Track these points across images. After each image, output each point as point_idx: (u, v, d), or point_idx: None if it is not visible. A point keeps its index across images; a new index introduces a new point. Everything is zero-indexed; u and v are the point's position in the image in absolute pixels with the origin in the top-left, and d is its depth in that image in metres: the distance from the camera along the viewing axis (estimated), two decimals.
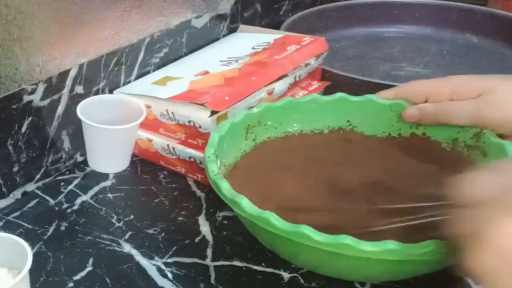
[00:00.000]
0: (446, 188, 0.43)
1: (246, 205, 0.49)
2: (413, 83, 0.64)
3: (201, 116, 0.64)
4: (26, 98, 0.62)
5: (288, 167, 0.62)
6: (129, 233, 0.60)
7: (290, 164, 0.62)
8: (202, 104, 0.64)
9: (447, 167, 0.60)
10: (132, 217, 0.62)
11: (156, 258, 0.57)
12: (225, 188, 0.51)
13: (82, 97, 0.68)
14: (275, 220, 0.47)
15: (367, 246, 0.45)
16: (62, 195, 0.65)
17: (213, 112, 0.64)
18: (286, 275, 0.56)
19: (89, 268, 0.56)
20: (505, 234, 0.36)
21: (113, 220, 0.62)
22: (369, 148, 0.64)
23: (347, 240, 0.45)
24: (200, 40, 0.83)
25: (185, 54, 0.81)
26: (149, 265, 0.56)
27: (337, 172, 0.61)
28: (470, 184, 0.42)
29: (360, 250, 0.45)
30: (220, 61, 0.76)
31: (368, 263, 0.47)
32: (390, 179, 0.60)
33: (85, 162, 0.70)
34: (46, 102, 0.64)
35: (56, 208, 0.63)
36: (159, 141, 0.69)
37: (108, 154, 0.68)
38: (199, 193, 0.66)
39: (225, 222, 0.62)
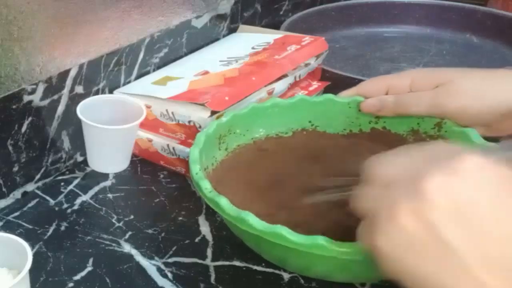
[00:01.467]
0: (361, 167, 0.44)
1: (226, 206, 0.49)
2: (373, 79, 0.65)
3: (201, 116, 0.64)
4: (26, 98, 0.62)
5: (258, 173, 0.61)
6: (129, 233, 0.60)
7: (260, 169, 0.62)
8: (202, 104, 0.64)
9: None
10: (132, 217, 0.62)
11: (156, 258, 0.57)
12: (206, 187, 0.51)
13: (82, 97, 0.68)
14: (252, 220, 0.47)
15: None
16: (62, 195, 0.65)
17: (213, 112, 0.64)
18: (286, 275, 0.56)
19: (89, 268, 0.56)
20: (406, 214, 0.37)
21: (113, 220, 0.62)
22: (332, 145, 0.64)
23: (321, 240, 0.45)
24: (200, 40, 0.83)
25: (185, 54, 0.81)
26: (149, 265, 0.56)
27: (302, 170, 0.61)
28: (379, 164, 0.42)
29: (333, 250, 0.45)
30: (220, 61, 0.76)
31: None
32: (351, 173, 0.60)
33: (85, 162, 0.70)
34: (46, 102, 0.64)
35: (56, 208, 0.63)
36: (159, 141, 0.69)
37: (108, 154, 0.68)
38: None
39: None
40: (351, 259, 0.45)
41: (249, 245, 0.54)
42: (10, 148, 0.62)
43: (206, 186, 0.51)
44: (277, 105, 0.64)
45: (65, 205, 0.64)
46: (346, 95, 0.65)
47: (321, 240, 0.45)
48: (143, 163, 0.71)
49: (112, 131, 0.66)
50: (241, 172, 0.61)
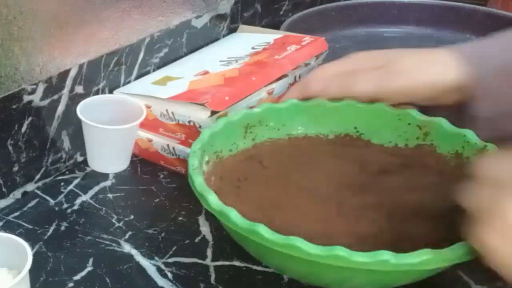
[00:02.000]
0: (471, 168, 0.45)
1: (213, 202, 0.49)
2: (317, 70, 0.64)
3: (201, 116, 0.64)
4: (26, 98, 0.62)
5: (283, 170, 0.61)
6: (129, 233, 0.60)
7: (285, 166, 0.61)
8: (202, 104, 0.64)
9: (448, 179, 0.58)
10: (132, 217, 0.62)
11: (156, 258, 0.57)
12: (199, 182, 0.51)
13: (82, 97, 0.68)
14: (235, 217, 0.46)
15: (360, 257, 0.44)
16: (62, 195, 0.65)
17: (213, 112, 0.64)
18: (286, 276, 0.56)
19: (89, 268, 0.56)
20: None
21: (113, 220, 0.62)
22: (375, 158, 0.63)
23: (340, 251, 0.44)
24: (200, 40, 0.83)
25: (185, 54, 0.81)
26: (149, 265, 0.56)
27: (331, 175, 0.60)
28: (490, 164, 0.44)
29: (352, 261, 0.44)
30: (220, 61, 0.76)
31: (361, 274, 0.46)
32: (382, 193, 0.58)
33: (85, 162, 0.70)
34: (46, 102, 0.64)
35: (56, 208, 0.63)
36: (159, 141, 0.69)
37: (108, 154, 0.68)
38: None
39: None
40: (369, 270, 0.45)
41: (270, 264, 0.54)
42: (10, 148, 0.62)
43: (193, 163, 0.51)
44: (322, 105, 0.63)
45: (65, 205, 0.64)
46: (289, 96, 0.64)
47: (340, 251, 0.44)
48: (143, 163, 0.71)
49: (112, 131, 0.66)
50: (259, 165, 0.60)
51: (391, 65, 0.60)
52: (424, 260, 0.44)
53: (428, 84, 0.59)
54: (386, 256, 0.44)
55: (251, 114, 0.61)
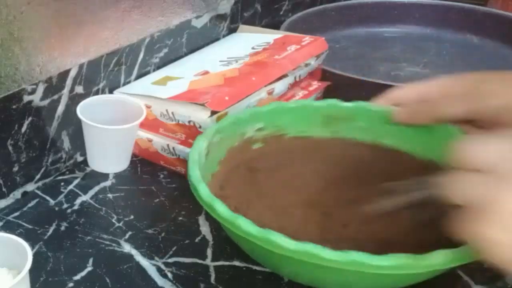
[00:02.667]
0: (449, 152, 0.41)
1: (221, 210, 0.48)
2: (402, 87, 0.63)
3: (201, 116, 0.64)
4: (26, 98, 0.62)
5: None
6: (129, 233, 0.60)
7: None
8: (202, 104, 0.64)
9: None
10: (132, 217, 0.62)
11: (156, 258, 0.57)
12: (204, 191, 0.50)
13: (82, 97, 0.68)
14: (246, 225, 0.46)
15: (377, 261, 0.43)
16: (62, 195, 0.65)
17: (213, 112, 0.64)
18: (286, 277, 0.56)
19: (89, 268, 0.56)
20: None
21: (113, 220, 0.62)
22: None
23: (356, 256, 0.43)
24: (200, 40, 0.83)
25: (185, 54, 0.81)
26: (149, 265, 0.56)
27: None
28: (473, 147, 0.40)
29: (370, 265, 0.43)
30: (220, 61, 0.76)
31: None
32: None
33: (85, 162, 0.70)
34: (46, 102, 0.64)
35: (56, 208, 0.63)
36: (159, 141, 0.69)
37: (108, 154, 0.68)
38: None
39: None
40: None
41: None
42: (10, 148, 0.62)
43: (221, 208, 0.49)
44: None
45: (65, 205, 0.64)
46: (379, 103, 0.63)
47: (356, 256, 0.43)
48: (143, 163, 0.71)
49: (112, 131, 0.66)
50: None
51: (479, 87, 0.57)
52: (398, 264, 0.43)
53: None
54: (356, 256, 0.43)
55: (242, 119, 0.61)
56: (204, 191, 0.49)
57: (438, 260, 0.44)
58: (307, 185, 0.60)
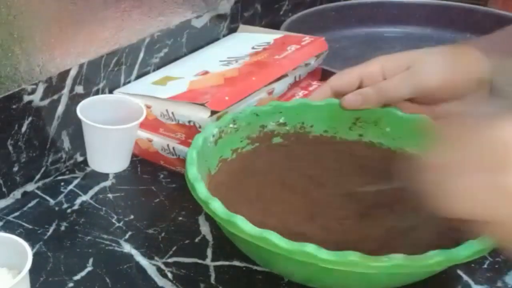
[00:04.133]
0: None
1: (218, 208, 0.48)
2: (343, 73, 0.65)
3: (201, 116, 0.64)
4: (26, 98, 0.62)
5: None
6: (129, 233, 0.60)
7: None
8: (202, 104, 0.64)
9: None
10: (132, 217, 0.62)
11: (156, 258, 0.57)
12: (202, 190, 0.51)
13: (82, 97, 0.68)
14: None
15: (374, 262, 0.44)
16: (62, 195, 0.65)
17: (213, 112, 0.64)
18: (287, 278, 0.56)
19: (89, 268, 0.56)
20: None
21: (113, 220, 0.62)
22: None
23: (353, 256, 0.44)
24: (200, 40, 0.83)
25: (185, 54, 0.81)
26: (149, 265, 0.56)
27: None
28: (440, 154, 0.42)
29: (367, 266, 0.44)
30: (220, 61, 0.76)
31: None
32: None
33: (85, 162, 0.70)
34: (46, 102, 0.64)
35: (56, 208, 0.63)
36: (159, 141, 0.69)
37: (108, 154, 0.68)
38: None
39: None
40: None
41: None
42: (10, 148, 0.62)
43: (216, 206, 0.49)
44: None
45: (65, 205, 0.64)
46: (320, 96, 0.65)
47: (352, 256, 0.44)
48: (143, 163, 0.71)
49: (112, 131, 0.66)
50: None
51: (417, 66, 0.61)
52: (395, 264, 0.44)
53: (460, 80, 0.61)
54: (352, 256, 0.44)
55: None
56: (201, 190, 0.50)
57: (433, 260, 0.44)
58: (318, 185, 0.60)
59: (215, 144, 0.59)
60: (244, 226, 0.46)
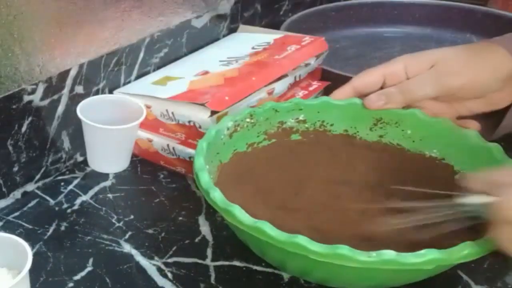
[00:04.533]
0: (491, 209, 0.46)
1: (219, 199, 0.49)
2: (366, 73, 0.65)
3: (201, 116, 0.64)
4: (26, 98, 0.62)
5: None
6: (129, 233, 0.60)
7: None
8: (202, 104, 0.64)
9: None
10: (132, 217, 0.62)
11: (156, 258, 0.57)
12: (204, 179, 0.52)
13: (82, 97, 0.68)
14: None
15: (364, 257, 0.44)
16: (62, 195, 0.65)
17: (213, 112, 0.64)
18: (286, 275, 0.56)
19: (89, 268, 0.56)
20: None
21: (113, 220, 0.62)
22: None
23: (344, 250, 0.45)
24: (200, 40, 0.83)
25: (185, 54, 0.81)
26: (149, 265, 0.56)
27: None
28: None
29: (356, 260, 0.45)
30: (220, 61, 0.76)
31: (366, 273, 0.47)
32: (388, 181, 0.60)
33: (85, 162, 0.70)
34: (46, 102, 0.64)
35: (56, 208, 0.63)
36: (159, 141, 0.69)
37: (108, 154, 0.68)
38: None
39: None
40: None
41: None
42: (10, 148, 0.62)
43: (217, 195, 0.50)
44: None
45: (65, 205, 0.64)
46: (342, 95, 0.65)
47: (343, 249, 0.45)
48: (143, 163, 0.71)
49: (112, 131, 0.66)
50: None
51: (441, 64, 0.61)
52: (386, 260, 0.45)
53: (486, 78, 0.60)
54: (343, 250, 0.45)
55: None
56: (204, 179, 0.51)
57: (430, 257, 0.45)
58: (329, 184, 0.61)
59: (229, 137, 0.59)
60: (240, 215, 0.47)
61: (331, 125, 0.64)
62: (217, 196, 0.49)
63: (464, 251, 0.46)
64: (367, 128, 0.64)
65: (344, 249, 0.45)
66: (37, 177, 0.66)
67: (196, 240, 0.60)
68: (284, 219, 0.53)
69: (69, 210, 0.63)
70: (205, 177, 0.51)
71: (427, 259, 0.45)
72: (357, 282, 0.50)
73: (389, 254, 0.45)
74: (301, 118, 0.64)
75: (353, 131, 0.65)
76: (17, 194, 0.64)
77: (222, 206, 0.49)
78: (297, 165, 0.62)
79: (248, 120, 0.61)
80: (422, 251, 0.45)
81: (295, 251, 0.45)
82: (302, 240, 0.45)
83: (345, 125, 0.64)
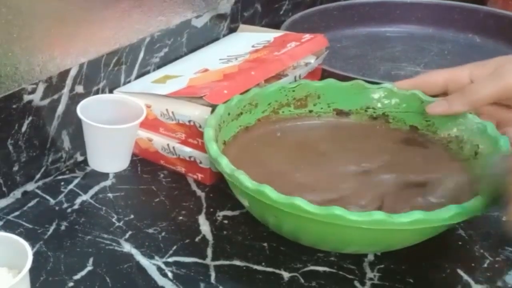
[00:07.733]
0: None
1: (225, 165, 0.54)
2: (431, 73, 0.65)
3: (201, 116, 0.64)
4: (26, 97, 0.62)
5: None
6: (129, 232, 0.60)
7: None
8: (201, 97, 0.63)
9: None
10: (132, 216, 0.62)
11: (156, 257, 0.57)
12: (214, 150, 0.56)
13: (82, 96, 0.68)
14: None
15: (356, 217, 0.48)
16: (62, 195, 0.65)
17: (213, 111, 0.64)
18: (286, 275, 0.56)
19: (89, 268, 0.56)
20: None
21: (113, 220, 0.62)
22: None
23: (338, 211, 0.48)
24: (200, 39, 0.83)
25: (185, 54, 0.81)
26: (149, 265, 0.56)
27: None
28: None
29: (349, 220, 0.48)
30: (220, 59, 0.76)
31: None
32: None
33: (85, 162, 0.70)
34: (46, 101, 0.64)
35: (56, 208, 0.63)
36: (159, 141, 0.69)
37: (108, 154, 0.68)
38: (199, 192, 0.66)
39: (225, 221, 0.62)
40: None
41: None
42: (10, 147, 0.62)
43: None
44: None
45: (65, 205, 0.64)
46: (405, 85, 0.66)
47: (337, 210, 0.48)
48: (143, 163, 0.71)
49: (112, 131, 0.66)
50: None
51: (504, 66, 0.61)
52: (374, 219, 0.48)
53: None
54: (338, 211, 0.49)
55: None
56: (212, 150, 0.56)
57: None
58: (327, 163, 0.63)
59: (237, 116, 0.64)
60: (243, 180, 0.52)
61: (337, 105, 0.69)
62: (224, 163, 0.54)
63: (450, 213, 0.49)
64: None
65: (337, 210, 0.48)
66: (37, 176, 0.66)
67: (196, 239, 0.60)
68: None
69: (69, 210, 0.63)
70: (213, 147, 0.56)
71: (413, 219, 0.48)
72: (361, 244, 0.54)
73: (378, 214, 0.48)
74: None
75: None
76: (17, 193, 0.64)
77: (228, 172, 0.53)
78: (303, 140, 0.66)
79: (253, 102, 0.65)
80: (409, 212, 0.48)
81: (292, 212, 0.50)
82: (299, 201, 0.49)
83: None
